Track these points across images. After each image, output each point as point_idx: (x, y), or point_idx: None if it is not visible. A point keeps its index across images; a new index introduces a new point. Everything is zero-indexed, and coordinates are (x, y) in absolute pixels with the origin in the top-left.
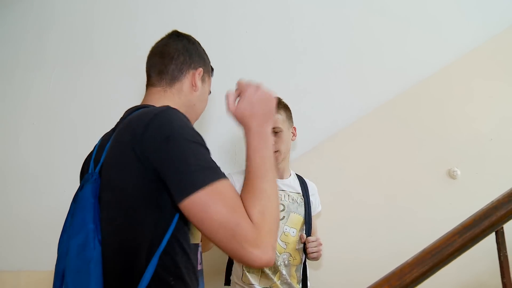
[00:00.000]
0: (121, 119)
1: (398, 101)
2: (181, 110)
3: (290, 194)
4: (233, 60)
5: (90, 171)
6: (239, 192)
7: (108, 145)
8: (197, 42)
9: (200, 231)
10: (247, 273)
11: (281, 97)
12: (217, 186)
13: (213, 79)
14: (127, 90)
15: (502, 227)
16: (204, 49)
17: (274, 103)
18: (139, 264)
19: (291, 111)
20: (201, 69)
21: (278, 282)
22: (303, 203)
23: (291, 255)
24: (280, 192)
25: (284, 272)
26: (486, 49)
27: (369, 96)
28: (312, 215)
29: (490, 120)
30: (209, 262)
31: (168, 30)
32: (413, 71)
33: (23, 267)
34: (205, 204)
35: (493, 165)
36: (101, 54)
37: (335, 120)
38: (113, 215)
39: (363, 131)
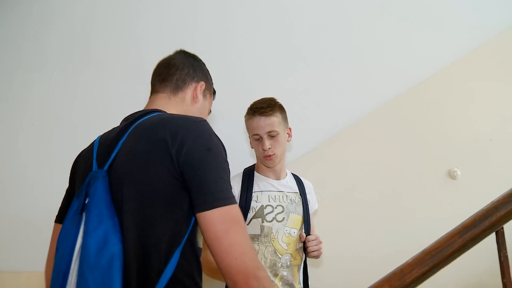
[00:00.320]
0: (128, 121)
1: (399, 101)
2: None
3: (288, 194)
4: (233, 60)
5: (94, 168)
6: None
7: (120, 143)
8: (202, 62)
9: (213, 239)
10: None
11: (280, 98)
12: (238, 207)
13: (213, 79)
14: (128, 91)
15: (502, 227)
16: (204, 49)
17: None
18: (158, 262)
19: (291, 111)
20: (203, 83)
21: (279, 284)
22: (301, 202)
23: (292, 256)
24: (278, 194)
25: (285, 273)
26: (486, 49)
27: (369, 96)
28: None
29: (490, 121)
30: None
31: (169, 31)
32: (414, 72)
33: (23, 268)
34: (231, 220)
35: (493, 165)
36: (101, 56)
37: (335, 121)
38: (134, 210)
39: (363, 132)
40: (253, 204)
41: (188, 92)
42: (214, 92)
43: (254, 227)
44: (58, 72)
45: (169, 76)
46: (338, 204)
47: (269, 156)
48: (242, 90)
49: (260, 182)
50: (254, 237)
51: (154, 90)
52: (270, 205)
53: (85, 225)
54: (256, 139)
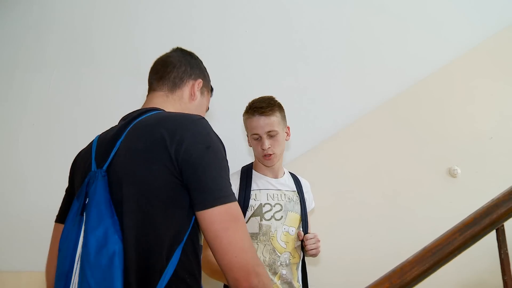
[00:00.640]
0: (126, 120)
1: (398, 100)
2: None
3: (286, 193)
4: (232, 59)
5: (93, 168)
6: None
7: (119, 143)
8: (200, 59)
9: (213, 237)
10: None
11: (280, 97)
12: (238, 205)
13: (213, 78)
14: (127, 91)
15: (503, 225)
16: (203, 48)
17: None
18: (159, 260)
19: (290, 110)
20: (200, 80)
21: (278, 283)
22: (298, 200)
23: (291, 254)
24: (277, 192)
25: (284, 272)
26: (485, 47)
27: (369, 95)
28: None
29: (490, 119)
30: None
31: (168, 30)
32: (413, 70)
33: (23, 268)
34: (231, 217)
35: (493, 163)
36: (101, 55)
37: (335, 119)
38: (135, 209)
39: (363, 131)
40: (251, 202)
41: (186, 89)
42: (212, 89)
43: (252, 225)
44: (57, 71)
45: (166, 74)
46: (338, 203)
47: (269, 155)
48: (242, 89)
49: (258, 181)
50: (253, 236)
51: (152, 89)
52: (268, 204)
53: (85, 225)
54: (255, 139)
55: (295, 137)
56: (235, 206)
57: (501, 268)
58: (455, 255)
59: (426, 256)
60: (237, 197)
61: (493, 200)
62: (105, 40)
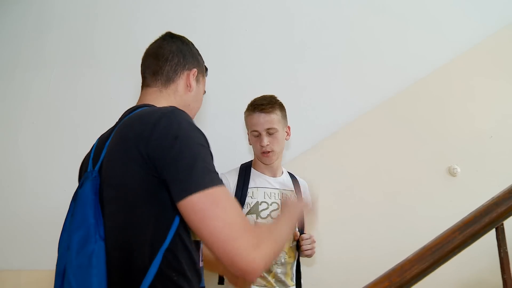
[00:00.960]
0: (120, 119)
1: (398, 99)
2: None
3: (284, 192)
4: (232, 58)
5: (89, 169)
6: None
7: (107, 144)
8: (191, 42)
9: (195, 230)
10: None
11: (279, 95)
12: (223, 189)
13: (213, 77)
14: (127, 90)
15: (502, 224)
16: (203, 47)
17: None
18: (142, 260)
19: (290, 109)
20: (195, 69)
21: (272, 281)
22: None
23: (286, 253)
24: (274, 191)
25: (279, 270)
26: (485, 46)
27: (369, 94)
28: None
29: (490, 118)
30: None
31: (168, 29)
32: (413, 69)
33: (23, 267)
34: (212, 203)
35: (493, 162)
36: (101, 54)
37: (335, 118)
38: (115, 211)
39: (363, 129)
40: (248, 200)
41: (181, 82)
42: (206, 69)
43: None
44: (57, 70)
45: (159, 69)
46: (338, 201)
47: (267, 152)
48: (242, 88)
49: (256, 178)
50: None
51: (145, 84)
52: (265, 202)
53: (70, 225)
54: (254, 135)
55: (295, 136)
56: (213, 190)
57: (501, 266)
58: (454, 254)
59: (426, 254)
60: (234, 194)
61: (492, 199)
62: (105, 39)
